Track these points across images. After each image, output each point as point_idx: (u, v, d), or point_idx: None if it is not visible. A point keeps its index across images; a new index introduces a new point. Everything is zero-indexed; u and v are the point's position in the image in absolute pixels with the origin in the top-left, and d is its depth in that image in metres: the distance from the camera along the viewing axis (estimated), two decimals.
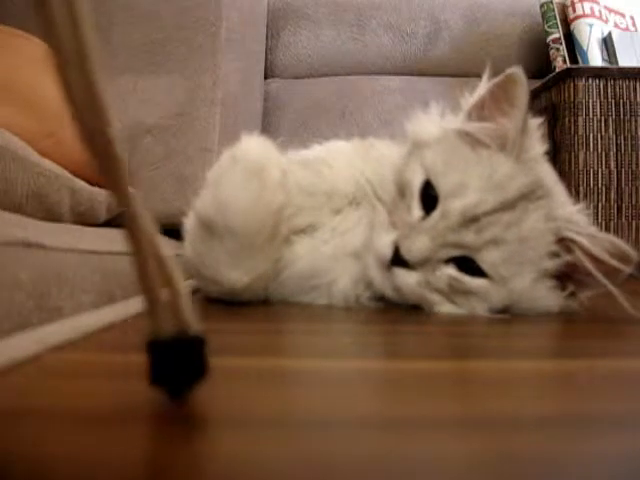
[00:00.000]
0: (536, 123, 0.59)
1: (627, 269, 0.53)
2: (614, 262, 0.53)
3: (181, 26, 1.18)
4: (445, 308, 0.56)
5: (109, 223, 1.01)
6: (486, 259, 0.54)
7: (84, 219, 0.90)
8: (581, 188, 1.28)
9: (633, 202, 1.29)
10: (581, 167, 1.29)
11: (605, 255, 0.53)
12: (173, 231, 0.80)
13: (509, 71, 0.57)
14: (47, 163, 0.78)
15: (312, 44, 1.68)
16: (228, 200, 0.54)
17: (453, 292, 0.56)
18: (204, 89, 1.15)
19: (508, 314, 0.55)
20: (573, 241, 0.55)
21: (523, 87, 0.56)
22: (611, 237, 0.55)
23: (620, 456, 0.20)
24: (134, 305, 0.54)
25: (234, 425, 0.22)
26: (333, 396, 0.28)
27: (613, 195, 1.29)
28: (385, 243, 0.56)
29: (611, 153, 1.29)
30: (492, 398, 0.27)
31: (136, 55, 1.19)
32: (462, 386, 0.30)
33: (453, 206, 0.54)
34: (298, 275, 0.60)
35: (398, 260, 0.55)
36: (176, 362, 0.22)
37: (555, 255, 0.56)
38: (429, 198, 0.56)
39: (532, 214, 0.55)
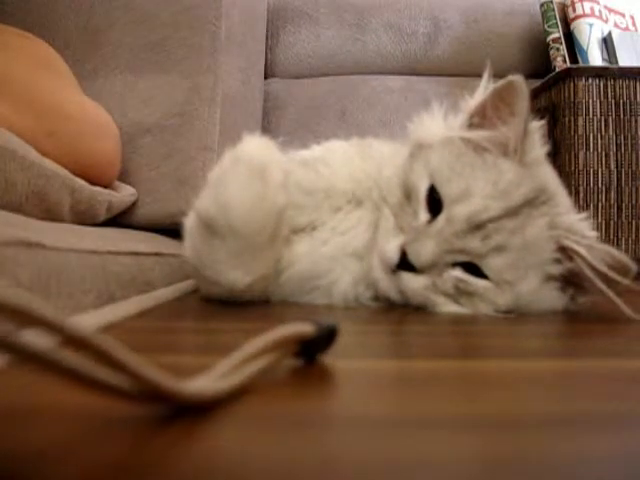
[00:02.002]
0: (537, 125, 0.59)
1: (625, 281, 0.53)
2: (612, 274, 0.53)
3: (181, 26, 1.19)
4: (449, 308, 0.56)
5: (109, 223, 1.02)
6: (490, 266, 0.54)
7: (84, 219, 0.90)
8: (581, 188, 1.28)
9: (633, 202, 1.29)
10: (581, 167, 1.29)
11: (603, 267, 0.54)
12: (173, 230, 0.80)
13: (510, 78, 0.57)
14: (47, 163, 0.78)
15: (312, 44, 1.68)
16: (230, 200, 0.54)
17: (459, 294, 0.56)
18: (204, 89, 1.15)
19: (512, 313, 0.55)
20: (572, 250, 0.55)
21: (524, 95, 0.56)
22: (610, 248, 0.55)
23: (620, 456, 0.20)
24: (134, 305, 0.54)
25: (232, 422, 0.22)
26: (335, 396, 0.28)
27: (613, 195, 1.29)
28: (392, 247, 0.56)
29: (611, 153, 1.29)
30: (494, 398, 0.27)
31: (136, 55, 1.19)
32: (465, 386, 0.30)
33: (458, 212, 0.54)
34: (298, 276, 0.60)
35: (404, 264, 0.55)
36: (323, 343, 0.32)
37: (557, 261, 0.56)
38: (435, 201, 0.57)
39: (536, 220, 0.55)
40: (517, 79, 0.56)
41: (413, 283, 0.56)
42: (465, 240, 0.54)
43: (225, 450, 0.20)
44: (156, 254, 0.84)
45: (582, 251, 0.55)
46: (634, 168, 1.29)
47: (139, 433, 0.21)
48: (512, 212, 0.54)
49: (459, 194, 0.55)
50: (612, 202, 1.29)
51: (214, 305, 0.58)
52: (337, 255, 0.60)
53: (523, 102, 0.56)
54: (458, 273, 0.55)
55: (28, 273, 0.51)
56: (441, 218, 0.55)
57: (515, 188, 0.55)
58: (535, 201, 0.56)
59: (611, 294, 0.53)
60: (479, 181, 0.55)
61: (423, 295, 0.56)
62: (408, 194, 0.58)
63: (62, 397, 0.25)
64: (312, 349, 0.31)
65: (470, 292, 0.55)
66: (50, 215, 0.80)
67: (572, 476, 0.19)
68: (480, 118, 0.60)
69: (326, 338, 0.32)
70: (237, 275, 0.55)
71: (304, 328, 0.30)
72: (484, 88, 0.60)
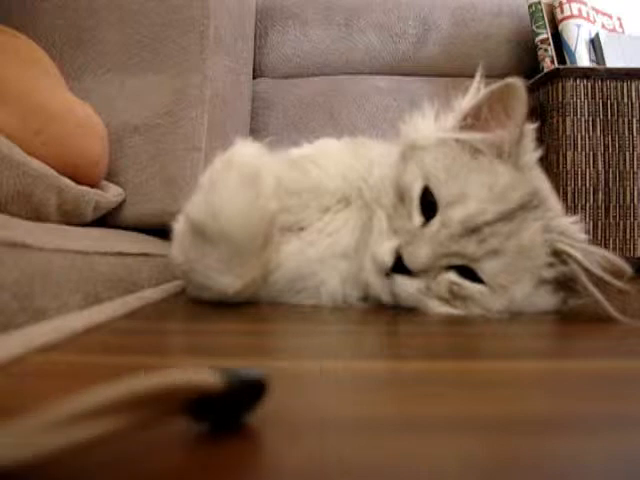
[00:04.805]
0: (529, 128, 0.59)
1: (621, 284, 0.53)
2: (608, 277, 0.53)
3: (169, 25, 1.18)
4: (441, 309, 0.56)
5: (96, 223, 1.01)
6: (486, 269, 0.54)
7: (71, 218, 0.90)
8: (569, 188, 1.29)
9: (620, 202, 1.29)
10: (569, 167, 1.29)
11: (599, 270, 0.54)
12: (160, 230, 0.80)
13: (509, 81, 0.56)
14: (33, 162, 0.77)
15: (301, 44, 1.68)
16: (222, 206, 0.53)
17: (453, 297, 0.55)
18: (192, 88, 1.15)
19: (506, 314, 0.55)
20: (568, 254, 0.55)
21: (522, 98, 0.56)
22: (605, 252, 0.55)
23: (612, 457, 0.20)
24: (121, 306, 0.53)
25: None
26: (330, 397, 0.28)
27: (601, 195, 1.30)
28: (386, 250, 0.56)
29: (599, 153, 1.30)
30: (486, 400, 0.27)
31: (124, 54, 1.18)
32: (456, 387, 0.30)
33: (453, 215, 0.54)
34: (286, 277, 0.59)
35: (398, 267, 0.55)
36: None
37: (551, 265, 0.56)
38: (429, 204, 0.56)
39: (531, 224, 0.55)
40: (516, 82, 0.56)
41: (407, 287, 0.55)
42: (460, 243, 0.54)
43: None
44: (143, 254, 0.83)
45: (578, 255, 0.55)
46: (622, 168, 1.30)
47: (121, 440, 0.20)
48: (507, 216, 0.54)
49: (455, 197, 0.55)
50: (600, 202, 1.30)
51: (201, 306, 0.57)
52: (325, 256, 0.59)
53: (521, 105, 0.56)
54: (452, 277, 0.55)
55: (12, 274, 0.51)
56: (436, 221, 0.55)
57: (510, 192, 0.55)
58: (529, 205, 0.55)
59: (602, 298, 0.53)
60: (474, 184, 0.55)
61: (417, 298, 0.56)
62: (401, 195, 0.58)
63: (45, 400, 0.25)
64: (222, 410, 0.21)
65: (464, 296, 0.55)
66: (36, 215, 0.79)
67: (564, 477, 0.19)
68: (474, 119, 0.59)
69: (245, 395, 0.22)
70: (228, 281, 0.55)
71: (202, 378, 0.20)
72: (476, 89, 0.60)
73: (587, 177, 1.29)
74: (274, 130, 1.58)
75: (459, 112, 0.60)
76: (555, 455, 0.20)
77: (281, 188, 0.59)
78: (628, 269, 0.54)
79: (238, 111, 1.44)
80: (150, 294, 0.64)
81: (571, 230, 0.58)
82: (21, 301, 0.51)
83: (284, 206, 0.59)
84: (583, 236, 0.58)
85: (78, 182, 0.91)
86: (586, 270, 0.54)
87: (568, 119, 1.30)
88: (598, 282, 0.54)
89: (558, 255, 0.56)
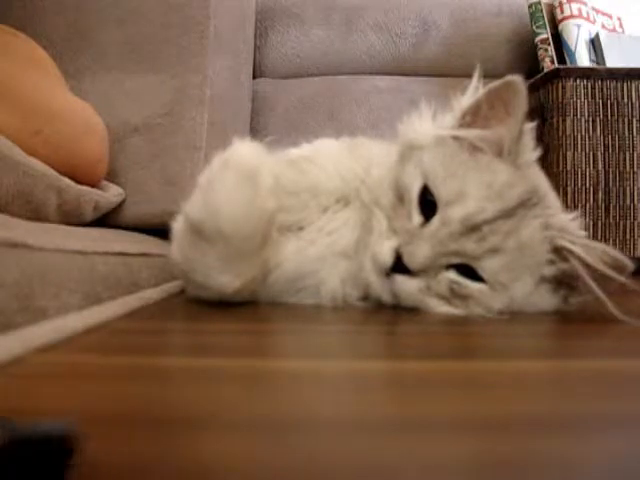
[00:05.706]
0: (528, 127, 0.59)
1: (622, 278, 0.53)
2: (610, 272, 0.53)
3: (169, 25, 1.18)
4: (442, 309, 0.56)
5: (97, 223, 1.01)
6: (486, 267, 0.54)
7: (71, 218, 0.90)
8: (569, 188, 1.29)
9: (620, 202, 1.29)
10: (569, 167, 1.29)
11: (601, 265, 0.54)
12: (160, 230, 0.80)
13: (509, 78, 0.56)
14: (33, 162, 0.77)
15: (301, 44, 1.68)
16: (220, 205, 0.53)
17: (454, 296, 0.56)
18: (192, 88, 1.15)
19: (505, 314, 0.55)
20: (569, 250, 0.55)
21: (522, 96, 0.56)
22: (605, 246, 0.55)
23: (616, 456, 0.20)
24: (121, 306, 0.53)
25: (221, 427, 0.22)
26: (329, 398, 0.28)
27: (601, 195, 1.30)
28: (386, 250, 0.56)
29: (599, 153, 1.30)
30: (484, 400, 0.27)
31: (124, 54, 1.18)
32: (455, 388, 0.30)
33: (453, 214, 0.54)
34: (286, 277, 0.59)
35: (398, 267, 0.55)
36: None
37: (551, 262, 0.56)
38: (428, 203, 0.56)
39: (530, 222, 0.55)
40: (516, 79, 0.56)
41: (407, 286, 0.55)
42: (460, 242, 0.54)
43: (204, 457, 0.20)
44: (143, 254, 0.83)
45: (578, 251, 0.55)
46: (621, 168, 1.30)
47: (119, 438, 0.21)
48: (507, 214, 0.54)
49: (454, 195, 0.55)
50: (600, 202, 1.29)
51: (201, 306, 0.57)
52: (325, 255, 0.59)
53: (521, 102, 0.56)
54: (453, 275, 0.55)
55: (12, 274, 0.51)
56: (435, 220, 0.55)
57: (509, 189, 0.55)
58: (528, 202, 0.55)
59: (602, 295, 0.53)
60: (473, 182, 0.55)
61: (417, 298, 0.56)
62: (400, 195, 0.58)
63: (44, 400, 0.25)
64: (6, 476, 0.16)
65: (465, 295, 0.55)
66: (36, 215, 0.79)
67: (565, 477, 0.19)
68: (473, 117, 0.59)
69: (40, 456, 0.16)
70: (226, 279, 0.55)
71: None
72: (474, 88, 0.60)
73: (587, 177, 1.29)
74: (274, 130, 1.58)
75: (458, 110, 0.60)
76: (555, 455, 0.20)
77: (279, 188, 0.59)
78: (629, 264, 0.54)
79: (238, 111, 1.44)
80: (150, 294, 0.64)
81: (571, 226, 0.58)
82: (21, 301, 0.51)
83: (283, 206, 0.59)
84: (583, 232, 0.59)
85: (78, 182, 0.91)
86: (587, 265, 0.54)
87: (568, 119, 1.30)
88: (599, 278, 0.54)
89: (558, 252, 0.56)
